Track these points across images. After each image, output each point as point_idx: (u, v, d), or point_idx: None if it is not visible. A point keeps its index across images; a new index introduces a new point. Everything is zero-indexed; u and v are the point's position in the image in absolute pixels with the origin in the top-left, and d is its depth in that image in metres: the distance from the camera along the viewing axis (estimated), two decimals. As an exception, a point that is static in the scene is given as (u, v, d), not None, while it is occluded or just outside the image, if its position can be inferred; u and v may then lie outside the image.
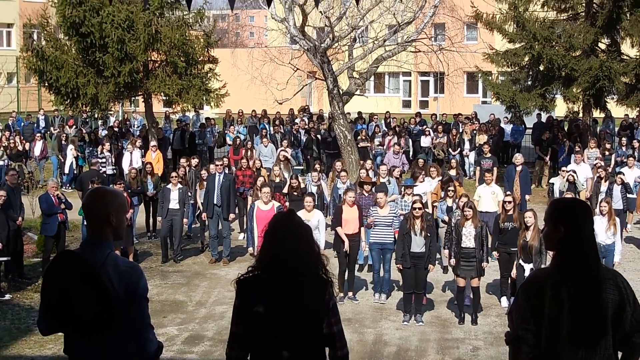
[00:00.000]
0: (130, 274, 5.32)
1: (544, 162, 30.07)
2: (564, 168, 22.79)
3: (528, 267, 14.40)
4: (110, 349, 5.32)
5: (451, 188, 18.53)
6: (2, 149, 28.79)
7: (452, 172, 21.78)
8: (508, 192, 18.31)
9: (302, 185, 20.70)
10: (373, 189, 18.39)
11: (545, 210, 5.68)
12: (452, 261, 15.28)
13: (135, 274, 5.36)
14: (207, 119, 36.24)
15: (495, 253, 15.76)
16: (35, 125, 38.52)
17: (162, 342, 5.56)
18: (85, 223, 18.09)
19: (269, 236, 5.58)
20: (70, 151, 29.63)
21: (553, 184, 22.24)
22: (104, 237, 5.45)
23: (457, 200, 17.33)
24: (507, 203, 15.99)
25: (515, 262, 15.07)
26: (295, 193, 19.78)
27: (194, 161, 23.44)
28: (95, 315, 5.22)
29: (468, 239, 14.94)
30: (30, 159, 30.23)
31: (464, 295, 15.22)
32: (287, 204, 19.21)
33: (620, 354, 5.48)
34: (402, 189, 19.15)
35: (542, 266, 13.52)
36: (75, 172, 30.00)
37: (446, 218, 17.61)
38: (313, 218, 15.97)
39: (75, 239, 20.16)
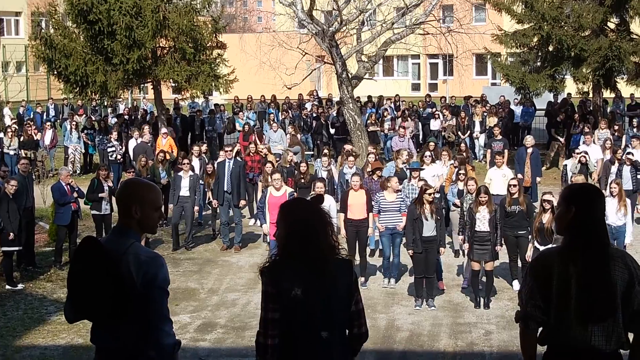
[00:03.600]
0: (149, 264, 5.36)
1: (560, 144, 29.96)
2: (577, 150, 22.71)
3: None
4: (126, 337, 5.36)
5: (462, 171, 18.49)
6: (12, 137, 28.81)
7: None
8: (513, 177, 18.21)
9: (309, 172, 20.66)
10: (384, 173, 18.39)
11: (559, 194, 5.78)
12: (466, 245, 15.27)
13: (155, 264, 5.39)
14: (216, 105, 36.22)
15: None
16: (45, 114, 38.56)
17: (179, 339, 5.55)
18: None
19: (291, 222, 5.65)
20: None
21: (566, 165, 22.17)
22: (129, 227, 5.54)
23: (465, 184, 17.22)
24: (512, 187, 15.96)
25: (530, 245, 15.07)
26: (303, 180, 19.74)
27: (202, 148, 23.41)
28: (110, 303, 5.29)
29: (482, 223, 14.92)
30: (40, 148, 30.25)
31: (478, 280, 15.21)
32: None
33: (631, 336, 5.50)
34: (409, 172, 19.08)
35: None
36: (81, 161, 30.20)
37: (457, 202, 17.56)
38: (324, 203, 15.85)
39: (87, 228, 20.19)
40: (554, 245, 13.71)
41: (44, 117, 37.82)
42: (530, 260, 14.86)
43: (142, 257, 5.37)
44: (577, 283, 5.32)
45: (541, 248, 14.54)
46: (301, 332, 5.55)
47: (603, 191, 17.74)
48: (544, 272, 5.43)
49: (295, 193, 17.58)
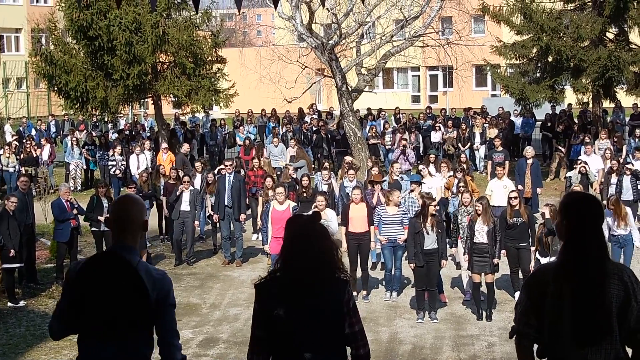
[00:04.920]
0: (162, 282, 5.51)
1: (562, 154, 29.91)
2: (579, 159, 22.69)
3: (545, 261, 14.32)
4: (131, 349, 5.38)
5: (462, 183, 18.49)
6: (10, 155, 28.79)
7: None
8: (513, 189, 18.18)
9: (311, 186, 20.64)
10: (383, 186, 18.36)
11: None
12: (466, 257, 15.28)
13: (167, 282, 5.56)
14: (213, 120, 36.25)
15: (503, 251, 15.58)
16: (46, 130, 38.58)
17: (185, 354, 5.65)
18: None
19: (291, 239, 5.62)
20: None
21: (570, 177, 22.05)
22: (133, 246, 5.58)
23: (461, 196, 17.15)
24: (512, 199, 15.92)
25: (532, 256, 15.07)
26: (305, 194, 19.73)
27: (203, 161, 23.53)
28: (132, 314, 5.36)
29: (481, 235, 14.91)
30: (41, 165, 30.23)
31: (479, 292, 15.18)
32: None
33: (630, 352, 5.41)
34: (408, 184, 19.09)
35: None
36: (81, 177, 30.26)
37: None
38: (325, 217, 15.86)
39: (88, 244, 20.19)
40: (553, 258, 13.80)
41: (43, 133, 37.78)
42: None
43: (154, 274, 5.49)
44: (571, 305, 5.20)
45: (542, 259, 14.61)
46: (283, 352, 5.53)
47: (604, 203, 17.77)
48: (538, 290, 5.31)
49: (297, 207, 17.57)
